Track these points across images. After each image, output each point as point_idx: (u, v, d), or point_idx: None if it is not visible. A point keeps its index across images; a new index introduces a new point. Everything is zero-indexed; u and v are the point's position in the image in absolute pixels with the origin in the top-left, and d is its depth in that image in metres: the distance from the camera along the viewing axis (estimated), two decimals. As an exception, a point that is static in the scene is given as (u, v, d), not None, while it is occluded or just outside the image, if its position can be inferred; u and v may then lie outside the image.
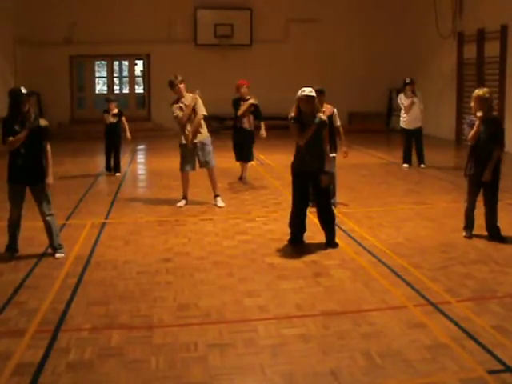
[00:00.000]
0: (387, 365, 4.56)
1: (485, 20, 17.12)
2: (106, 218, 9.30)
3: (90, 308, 5.72)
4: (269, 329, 5.24)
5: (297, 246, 7.67)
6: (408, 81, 13.86)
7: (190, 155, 9.91)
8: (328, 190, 7.77)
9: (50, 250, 7.40)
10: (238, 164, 12.26)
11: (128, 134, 13.48)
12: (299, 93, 7.49)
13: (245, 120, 11.76)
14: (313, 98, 7.44)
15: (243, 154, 11.96)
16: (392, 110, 22.91)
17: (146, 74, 22.93)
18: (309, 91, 7.45)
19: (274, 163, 10.70)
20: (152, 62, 22.35)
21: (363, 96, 22.11)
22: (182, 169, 9.98)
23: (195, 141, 9.83)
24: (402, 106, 13.89)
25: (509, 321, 5.32)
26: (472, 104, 8.10)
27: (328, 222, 7.72)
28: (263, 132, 11.94)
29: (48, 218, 7.29)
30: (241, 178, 12.16)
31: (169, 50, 21.68)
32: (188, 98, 9.81)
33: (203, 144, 9.89)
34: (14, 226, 7.28)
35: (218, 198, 9.99)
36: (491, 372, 4.41)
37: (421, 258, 7.16)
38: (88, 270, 6.83)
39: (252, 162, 12.63)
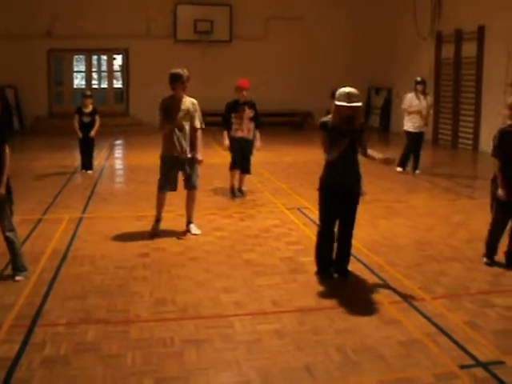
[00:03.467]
0: (362, 360, 4.61)
1: (462, 21, 17.29)
2: (83, 213, 9.27)
3: (66, 303, 5.70)
4: (245, 324, 5.27)
5: (326, 279, 6.48)
6: (419, 79, 12.82)
7: (172, 172, 8.14)
8: (356, 214, 6.45)
9: (8, 271, 6.49)
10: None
11: (92, 133, 12.77)
12: (338, 95, 6.11)
13: (244, 127, 10.27)
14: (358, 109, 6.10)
15: (244, 164, 10.47)
16: (371, 108, 23.08)
17: (124, 68, 22.83)
18: (356, 97, 6.04)
19: (253, 159, 10.72)
20: (131, 57, 22.24)
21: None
22: (161, 188, 8.20)
23: (188, 155, 8.07)
24: (405, 107, 12.87)
25: (481, 317, 5.41)
26: (506, 112, 6.75)
27: (346, 249, 6.56)
28: (258, 143, 10.50)
29: (8, 234, 6.28)
30: (239, 190, 10.64)
31: (148, 45, 21.61)
32: (186, 102, 8.03)
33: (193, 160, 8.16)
34: None
35: (192, 225, 8.35)
36: (463, 367, 4.48)
37: (396, 256, 7.23)
38: (65, 265, 6.81)
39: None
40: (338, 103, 6.04)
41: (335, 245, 6.50)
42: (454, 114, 17.95)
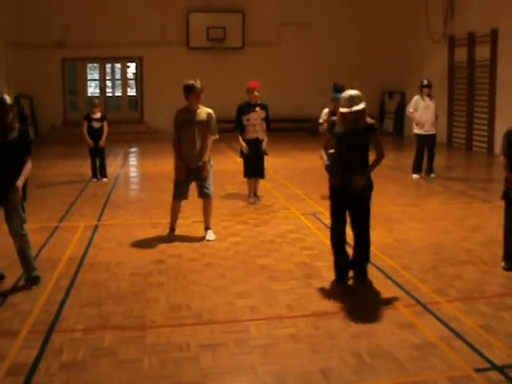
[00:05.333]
0: (377, 364, 4.62)
1: (475, 24, 17.25)
2: (99, 220, 9.34)
3: (82, 309, 5.76)
4: (260, 329, 5.30)
5: (343, 284, 6.52)
6: (425, 83, 12.79)
7: (185, 181, 8.19)
8: (369, 212, 6.46)
9: (23, 282, 6.45)
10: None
11: (102, 142, 12.76)
12: (341, 100, 6.24)
13: (258, 129, 10.27)
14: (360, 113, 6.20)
15: (257, 169, 10.46)
16: (385, 113, 23.06)
17: (138, 76, 22.97)
18: (358, 99, 6.17)
19: (266, 165, 10.76)
20: (145, 65, 22.39)
21: (355, 99, 22.20)
22: (175, 197, 8.28)
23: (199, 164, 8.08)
24: (410, 110, 12.85)
25: (496, 320, 5.40)
26: None
27: (364, 254, 6.53)
28: (265, 145, 10.42)
29: (19, 239, 6.33)
30: (254, 195, 10.63)
31: (161, 53, 21.75)
32: (202, 113, 8.07)
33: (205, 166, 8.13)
34: None
35: (209, 231, 8.35)
36: (478, 370, 4.48)
37: (411, 259, 7.23)
38: (81, 272, 6.87)
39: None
40: (341, 110, 6.18)
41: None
42: (468, 116, 17.90)
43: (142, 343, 5.03)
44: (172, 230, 8.37)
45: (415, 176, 12.85)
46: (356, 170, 6.25)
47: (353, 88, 6.35)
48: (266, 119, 10.33)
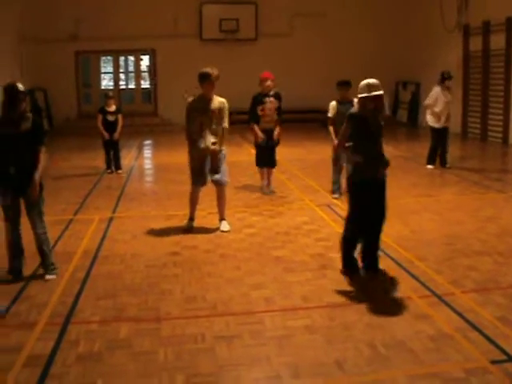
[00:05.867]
0: (392, 355, 4.62)
1: (490, 12, 17.10)
2: (114, 213, 9.37)
3: (98, 301, 5.80)
4: (275, 320, 5.30)
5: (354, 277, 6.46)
6: (447, 75, 12.56)
7: (201, 167, 8.16)
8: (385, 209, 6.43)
9: (40, 271, 6.58)
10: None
11: (117, 134, 12.83)
12: (360, 88, 6.26)
13: (269, 119, 10.29)
14: (382, 96, 6.19)
15: (270, 158, 10.52)
16: (399, 103, 22.95)
17: (152, 68, 22.99)
18: (376, 87, 6.15)
19: (279, 157, 10.74)
20: (158, 57, 22.40)
21: (369, 89, 22.12)
22: (193, 183, 8.31)
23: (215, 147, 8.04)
24: (430, 102, 12.59)
25: (512, 311, 5.39)
26: None
27: (375, 246, 6.53)
28: (277, 133, 10.40)
29: (39, 231, 6.42)
30: (268, 185, 10.65)
31: (174, 45, 21.73)
32: (216, 102, 8.04)
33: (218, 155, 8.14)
34: (14, 246, 6.40)
35: (223, 222, 8.39)
36: (494, 362, 4.46)
37: (426, 251, 7.21)
38: (96, 264, 6.91)
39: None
40: (359, 96, 6.20)
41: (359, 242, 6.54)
42: (483, 106, 17.77)
43: (157, 335, 5.05)
44: (191, 219, 8.41)
45: (429, 167, 12.82)
46: (380, 158, 6.29)
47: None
48: (279, 108, 10.34)
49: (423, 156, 13.27)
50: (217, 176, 8.18)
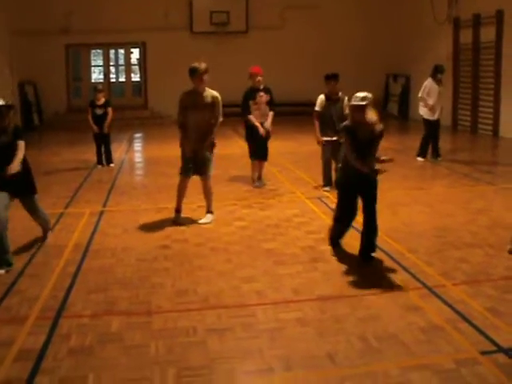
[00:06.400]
0: (383, 347, 4.64)
1: (480, 5, 17.12)
2: (104, 207, 9.35)
3: (89, 295, 5.78)
4: (267, 313, 5.31)
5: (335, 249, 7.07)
6: (440, 69, 12.66)
7: (190, 158, 8.27)
8: (375, 196, 6.72)
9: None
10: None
11: (105, 128, 12.80)
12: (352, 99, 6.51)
13: (263, 113, 10.38)
14: (362, 107, 6.37)
15: (264, 151, 10.63)
16: (389, 96, 22.97)
17: (142, 62, 22.91)
18: (360, 99, 6.37)
19: (271, 150, 10.72)
20: (148, 50, 22.32)
21: (360, 81, 21.97)
22: (181, 173, 8.40)
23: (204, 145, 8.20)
24: (423, 94, 12.68)
25: (502, 303, 5.40)
26: None
27: (369, 232, 6.75)
28: (268, 124, 10.43)
29: (41, 219, 7.35)
30: (259, 178, 10.73)
31: (165, 38, 21.66)
32: (208, 95, 8.13)
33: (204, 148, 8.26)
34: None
35: (207, 215, 8.45)
36: (484, 353, 4.49)
37: (416, 243, 7.23)
38: (87, 258, 6.89)
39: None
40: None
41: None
42: (473, 99, 17.82)
43: (149, 328, 5.05)
44: (178, 211, 8.44)
45: (420, 159, 12.88)
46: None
47: None
48: (271, 102, 10.40)
49: (414, 148, 13.30)
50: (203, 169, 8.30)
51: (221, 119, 8.26)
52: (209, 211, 8.46)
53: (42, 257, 6.94)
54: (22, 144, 6.64)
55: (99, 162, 13.02)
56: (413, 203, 9.22)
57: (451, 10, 18.73)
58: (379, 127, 6.48)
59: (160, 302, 5.62)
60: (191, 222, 8.32)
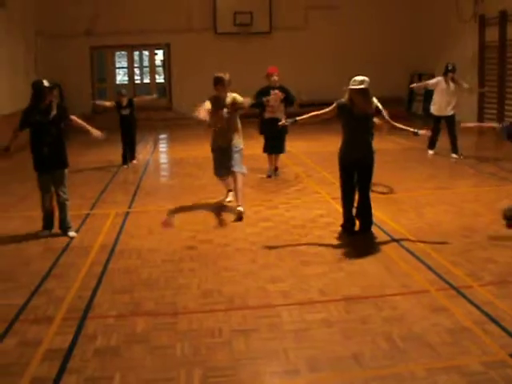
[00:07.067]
0: (409, 348, 4.60)
1: (507, 2, 16.92)
2: (130, 208, 9.40)
3: (115, 296, 5.82)
4: (292, 314, 5.30)
5: (349, 237, 7.55)
6: (451, 67, 13.05)
7: (221, 158, 9.02)
8: (370, 181, 7.54)
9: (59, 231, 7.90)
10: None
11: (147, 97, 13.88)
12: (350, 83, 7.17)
13: (275, 109, 11.12)
14: (361, 91, 7.11)
15: (275, 145, 11.37)
16: (414, 95, 22.80)
17: (166, 63, 23.00)
18: (358, 83, 7.09)
19: (295, 150, 10.71)
20: (172, 52, 22.40)
21: (383, 81, 21.84)
22: (215, 174, 9.33)
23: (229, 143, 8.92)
24: (429, 82, 13.68)
25: (531, 304, 5.34)
26: None
27: (365, 213, 7.56)
28: (283, 119, 10.61)
29: (64, 198, 7.86)
30: (275, 170, 11.58)
31: (189, 39, 21.72)
32: (229, 98, 8.91)
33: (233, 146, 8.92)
34: (47, 211, 7.88)
35: (239, 207, 8.70)
36: (513, 355, 4.44)
37: (442, 243, 7.17)
38: (113, 259, 6.94)
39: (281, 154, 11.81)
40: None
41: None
42: (500, 97, 17.63)
43: (174, 329, 5.06)
44: (230, 190, 9.41)
45: (430, 152, 13.33)
46: (363, 145, 7.46)
47: None
48: (287, 98, 11.12)
49: (439, 148, 13.34)
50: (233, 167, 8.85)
51: (249, 102, 9.22)
52: (239, 205, 8.70)
53: (68, 257, 7.00)
54: (75, 117, 8.05)
55: (125, 163, 13.22)
56: (438, 203, 9.14)
57: (477, 8, 18.54)
58: (374, 104, 7.29)
59: (185, 302, 5.64)
60: (217, 222, 8.35)
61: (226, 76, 8.82)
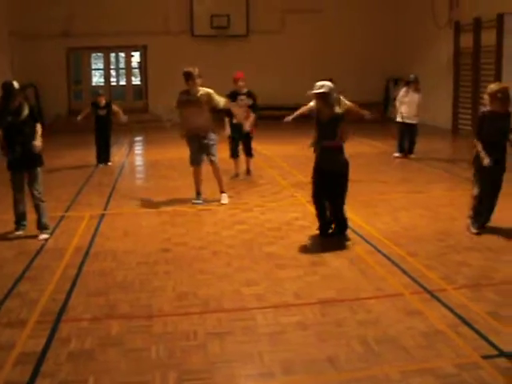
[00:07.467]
0: (384, 351, 4.63)
1: (481, 9, 17.11)
2: (105, 210, 9.35)
3: (89, 298, 5.78)
4: (267, 317, 5.30)
5: (324, 240, 7.58)
6: (412, 78, 14.00)
7: (194, 148, 9.49)
8: (343, 189, 7.43)
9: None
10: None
11: (122, 116, 13.41)
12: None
13: (242, 115, 11.07)
14: (320, 95, 7.16)
15: (245, 148, 11.54)
16: (389, 100, 22.94)
17: (142, 65, 22.90)
18: (318, 87, 7.16)
19: (270, 153, 10.72)
20: (149, 54, 22.31)
21: (360, 86, 22.00)
22: (191, 163, 9.58)
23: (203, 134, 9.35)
24: (397, 101, 14.17)
25: (503, 307, 5.39)
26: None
27: (339, 217, 7.51)
28: (247, 126, 11.20)
29: (38, 198, 7.78)
30: (247, 173, 11.76)
31: (165, 42, 21.65)
32: (202, 93, 9.30)
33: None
34: (17, 205, 7.86)
35: (223, 195, 9.57)
36: (486, 357, 4.48)
37: (417, 247, 7.22)
38: (87, 261, 6.88)
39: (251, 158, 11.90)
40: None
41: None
42: (474, 103, 17.79)
43: (149, 332, 5.04)
44: (198, 193, 9.54)
45: (396, 155, 13.83)
46: (330, 151, 7.41)
47: None
48: (253, 106, 11.24)
49: (417, 151, 13.51)
50: (210, 157, 9.41)
51: (226, 104, 9.63)
52: (223, 191, 9.55)
53: (43, 260, 6.93)
54: (38, 125, 7.82)
55: (99, 161, 13.37)
56: (413, 207, 9.20)
57: (452, 14, 18.72)
58: (338, 110, 7.34)
59: (161, 305, 5.61)
60: (192, 225, 8.33)
61: (195, 70, 9.19)
